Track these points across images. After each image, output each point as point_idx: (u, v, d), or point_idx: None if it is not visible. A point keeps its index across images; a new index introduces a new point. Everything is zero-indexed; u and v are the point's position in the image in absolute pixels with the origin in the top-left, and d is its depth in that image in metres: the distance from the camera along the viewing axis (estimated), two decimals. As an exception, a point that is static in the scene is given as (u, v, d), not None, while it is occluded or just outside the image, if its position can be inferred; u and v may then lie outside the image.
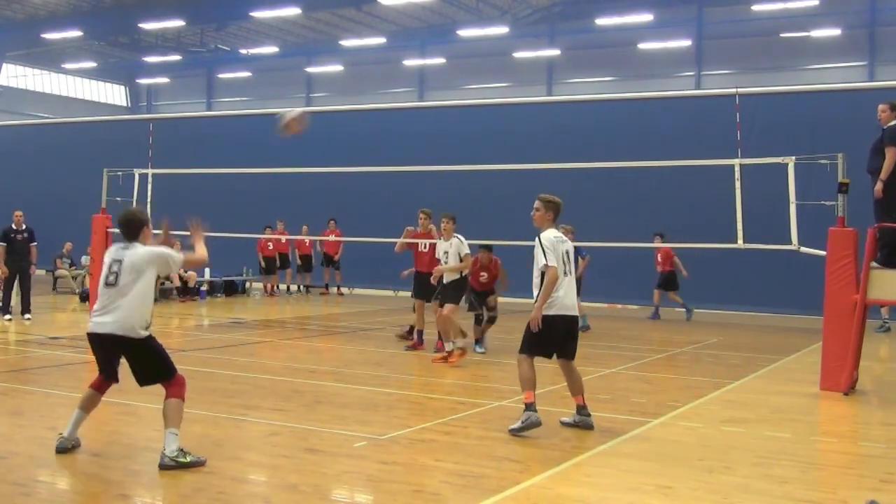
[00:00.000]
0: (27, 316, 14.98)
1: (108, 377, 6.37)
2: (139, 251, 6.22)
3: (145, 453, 6.31)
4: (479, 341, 12.24)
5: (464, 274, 11.33)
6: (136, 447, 6.55)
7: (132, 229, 6.37)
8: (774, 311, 18.36)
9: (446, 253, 11.32)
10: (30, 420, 7.29)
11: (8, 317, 14.89)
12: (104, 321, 6.07)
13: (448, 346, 11.02)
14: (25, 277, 15.19)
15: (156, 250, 6.35)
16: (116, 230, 14.91)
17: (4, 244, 15.06)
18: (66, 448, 6.18)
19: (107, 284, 6.13)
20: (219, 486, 5.41)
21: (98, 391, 6.42)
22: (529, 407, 6.97)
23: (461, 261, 11.25)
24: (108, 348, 6.17)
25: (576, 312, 7.31)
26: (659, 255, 17.56)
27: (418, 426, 7.25)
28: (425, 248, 12.44)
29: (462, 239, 11.35)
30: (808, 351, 12.74)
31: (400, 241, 12.77)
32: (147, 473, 5.79)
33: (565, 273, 7.20)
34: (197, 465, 5.86)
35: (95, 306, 6.17)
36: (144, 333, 6.12)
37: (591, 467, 6.11)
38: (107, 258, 6.30)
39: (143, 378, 6.30)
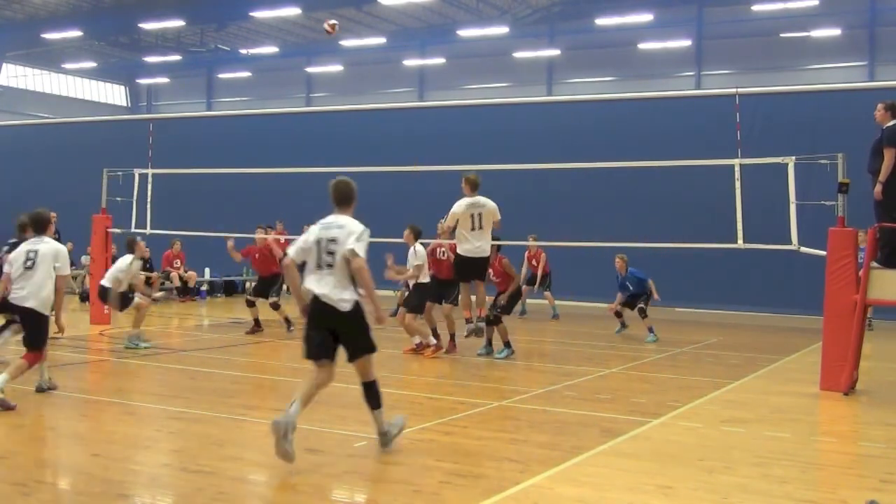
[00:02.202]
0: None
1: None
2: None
3: (145, 453, 6.31)
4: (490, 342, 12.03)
5: (421, 280, 11.92)
6: (136, 447, 6.54)
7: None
8: (774, 311, 18.35)
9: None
10: (30, 420, 7.30)
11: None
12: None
13: (416, 340, 11.80)
14: None
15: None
16: (117, 230, 14.98)
17: None
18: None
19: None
20: (219, 486, 5.41)
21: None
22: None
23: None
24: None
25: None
26: (534, 259, 17.39)
27: (418, 426, 7.24)
28: (444, 255, 12.54)
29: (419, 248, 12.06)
30: (808, 351, 12.74)
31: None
32: (147, 473, 5.79)
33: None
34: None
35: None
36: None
37: (591, 467, 6.10)
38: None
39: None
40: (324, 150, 21.53)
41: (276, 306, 13.85)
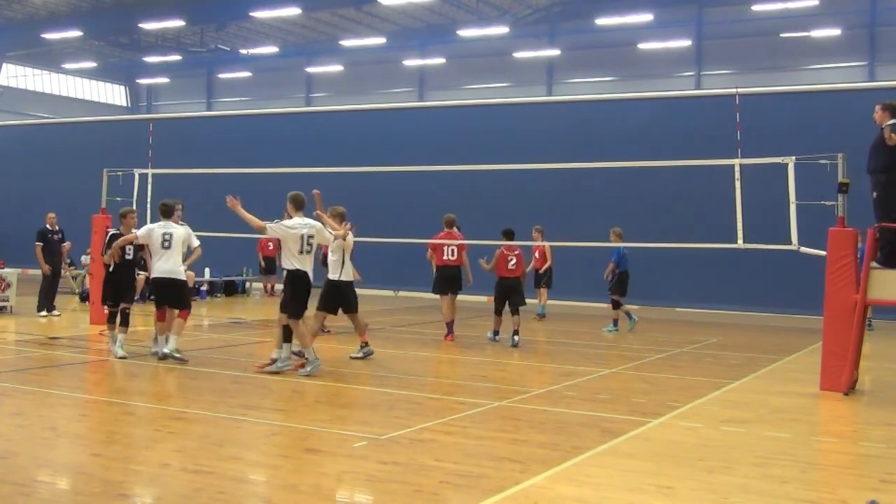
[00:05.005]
0: (54, 312, 15.71)
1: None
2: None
3: (145, 453, 6.31)
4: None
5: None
6: (136, 447, 6.54)
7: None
8: (774, 311, 18.36)
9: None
10: (30, 420, 7.30)
11: (44, 313, 15.51)
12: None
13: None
14: (56, 276, 16.04)
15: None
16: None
17: (41, 244, 15.84)
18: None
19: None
20: (219, 486, 5.41)
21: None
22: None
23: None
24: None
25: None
26: (536, 251, 16.90)
27: (418, 426, 7.24)
28: (453, 255, 13.37)
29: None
30: (808, 351, 12.75)
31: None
32: (147, 473, 5.79)
33: (300, 251, 9.86)
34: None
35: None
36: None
37: (591, 467, 6.10)
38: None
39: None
40: (324, 150, 21.54)
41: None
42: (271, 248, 21.93)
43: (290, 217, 10.16)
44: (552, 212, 19.18)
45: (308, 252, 9.97)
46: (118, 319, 10.83)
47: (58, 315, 15.58)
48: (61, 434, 6.92)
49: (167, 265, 10.59)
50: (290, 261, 9.93)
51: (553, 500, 5.36)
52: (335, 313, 11.29)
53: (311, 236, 10.00)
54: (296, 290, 9.90)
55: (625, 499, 5.37)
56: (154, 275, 10.72)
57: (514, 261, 13.09)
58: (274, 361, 9.98)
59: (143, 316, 16.56)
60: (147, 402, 8.40)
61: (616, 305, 15.20)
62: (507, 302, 13.04)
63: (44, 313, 15.47)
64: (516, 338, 12.77)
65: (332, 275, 11.00)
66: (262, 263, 21.95)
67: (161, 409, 7.96)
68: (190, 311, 10.84)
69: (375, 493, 5.50)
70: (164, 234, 10.62)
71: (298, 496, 5.31)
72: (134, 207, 12.19)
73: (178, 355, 10.33)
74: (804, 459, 6.54)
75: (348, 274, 11.06)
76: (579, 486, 5.62)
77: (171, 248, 10.60)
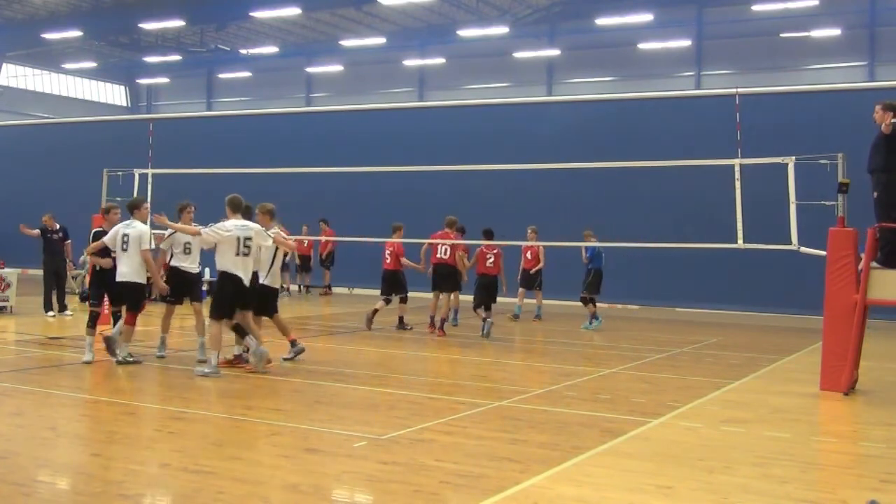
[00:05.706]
0: (66, 312, 15.71)
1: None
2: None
3: (145, 453, 6.31)
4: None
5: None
6: (136, 447, 6.54)
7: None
8: (774, 311, 18.36)
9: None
10: (30, 420, 7.30)
11: (52, 313, 15.49)
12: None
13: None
14: (62, 276, 16.03)
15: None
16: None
17: (41, 243, 15.91)
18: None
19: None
20: (219, 486, 5.41)
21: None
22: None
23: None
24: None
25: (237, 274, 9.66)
26: (529, 252, 16.81)
27: (418, 426, 7.24)
28: (446, 253, 14.04)
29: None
30: (808, 351, 12.74)
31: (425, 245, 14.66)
32: (147, 473, 5.79)
33: (236, 254, 9.59)
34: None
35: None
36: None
37: (591, 467, 6.10)
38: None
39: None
40: (324, 150, 21.55)
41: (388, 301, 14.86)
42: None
43: (227, 219, 9.87)
44: (552, 212, 19.18)
45: (246, 255, 9.66)
46: (113, 322, 10.77)
47: (70, 315, 15.60)
48: (61, 434, 6.92)
49: (123, 268, 10.14)
50: (224, 263, 9.63)
51: (553, 500, 5.36)
52: (272, 314, 10.87)
53: (248, 238, 9.67)
54: (223, 293, 9.69)
55: (625, 499, 5.37)
56: (117, 278, 10.19)
57: (491, 259, 14.22)
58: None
59: (141, 316, 16.56)
60: (147, 402, 8.40)
61: (590, 302, 15.59)
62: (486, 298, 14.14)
63: (51, 313, 15.45)
64: (489, 323, 13.84)
65: (261, 276, 10.53)
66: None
67: (161, 409, 7.96)
68: (136, 314, 10.32)
69: (375, 493, 5.50)
70: (123, 234, 10.17)
71: (298, 496, 5.31)
72: (115, 204, 11.63)
73: (130, 359, 10.19)
74: (804, 459, 6.54)
75: (273, 279, 10.70)
76: (579, 486, 5.62)
77: (127, 251, 10.11)
